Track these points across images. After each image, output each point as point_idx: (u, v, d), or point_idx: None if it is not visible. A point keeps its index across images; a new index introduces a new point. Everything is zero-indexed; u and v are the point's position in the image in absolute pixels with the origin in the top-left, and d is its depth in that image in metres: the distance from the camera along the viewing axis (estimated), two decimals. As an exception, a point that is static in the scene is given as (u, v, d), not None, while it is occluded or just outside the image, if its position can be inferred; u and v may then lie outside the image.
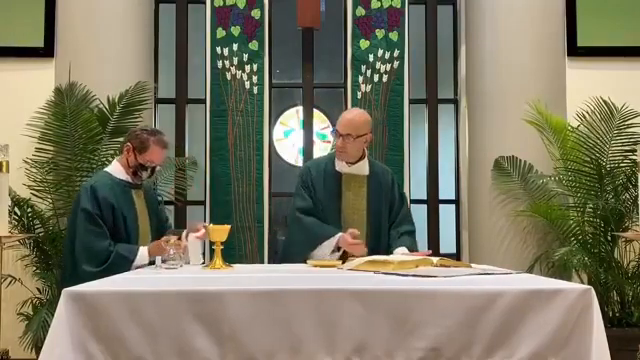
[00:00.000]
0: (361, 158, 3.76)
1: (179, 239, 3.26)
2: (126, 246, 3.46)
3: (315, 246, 3.60)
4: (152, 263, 3.29)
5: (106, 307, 2.11)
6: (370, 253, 3.56)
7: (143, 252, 3.43)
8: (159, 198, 3.97)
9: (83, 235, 3.42)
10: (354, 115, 3.74)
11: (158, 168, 3.74)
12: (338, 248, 3.59)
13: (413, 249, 3.65)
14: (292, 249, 3.77)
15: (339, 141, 3.66)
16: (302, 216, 3.71)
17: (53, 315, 2.16)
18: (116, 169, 3.61)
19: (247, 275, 2.81)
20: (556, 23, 5.34)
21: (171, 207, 5.45)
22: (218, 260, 3.09)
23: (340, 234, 3.59)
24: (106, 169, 3.70)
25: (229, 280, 2.54)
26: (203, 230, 3.41)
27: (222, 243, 3.14)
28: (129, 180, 3.60)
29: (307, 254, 3.54)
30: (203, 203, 5.46)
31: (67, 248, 3.56)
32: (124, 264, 3.36)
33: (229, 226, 3.18)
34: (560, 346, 2.14)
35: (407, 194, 5.42)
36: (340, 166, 3.76)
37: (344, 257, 3.53)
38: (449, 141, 5.89)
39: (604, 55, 5.44)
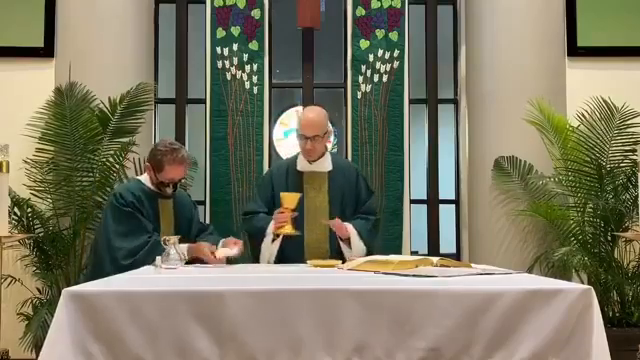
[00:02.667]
0: (322, 155, 3.81)
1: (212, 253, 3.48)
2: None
3: (260, 241, 3.70)
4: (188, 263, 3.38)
5: (106, 307, 2.11)
6: (336, 254, 3.66)
7: (182, 247, 3.47)
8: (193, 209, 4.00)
9: (117, 232, 3.51)
10: (315, 114, 3.77)
11: (183, 180, 3.81)
12: (277, 235, 3.68)
13: (358, 230, 3.69)
14: (250, 250, 3.88)
15: (307, 144, 3.71)
16: (244, 218, 3.86)
17: (53, 315, 2.16)
18: (147, 178, 3.72)
19: (247, 275, 2.81)
20: (556, 23, 5.34)
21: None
22: (288, 226, 3.39)
23: (272, 221, 3.66)
24: (139, 176, 3.85)
25: (229, 280, 2.55)
26: (235, 251, 3.50)
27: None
28: (156, 190, 3.69)
29: (258, 251, 3.70)
30: (203, 203, 5.45)
31: (101, 246, 3.60)
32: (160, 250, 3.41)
33: (299, 194, 3.45)
34: (560, 346, 2.14)
35: (407, 193, 5.44)
36: (302, 165, 3.82)
37: (344, 258, 3.56)
38: (449, 141, 5.89)
39: (604, 55, 5.43)
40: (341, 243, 3.72)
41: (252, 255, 3.91)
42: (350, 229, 3.70)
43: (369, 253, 3.69)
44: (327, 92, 6.07)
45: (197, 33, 5.70)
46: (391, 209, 5.37)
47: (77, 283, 3.54)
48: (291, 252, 3.68)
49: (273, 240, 3.69)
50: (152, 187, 3.69)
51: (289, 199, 3.50)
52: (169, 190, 3.68)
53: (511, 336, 2.14)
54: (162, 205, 3.70)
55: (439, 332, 2.13)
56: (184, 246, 3.49)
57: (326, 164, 3.83)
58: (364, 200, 3.85)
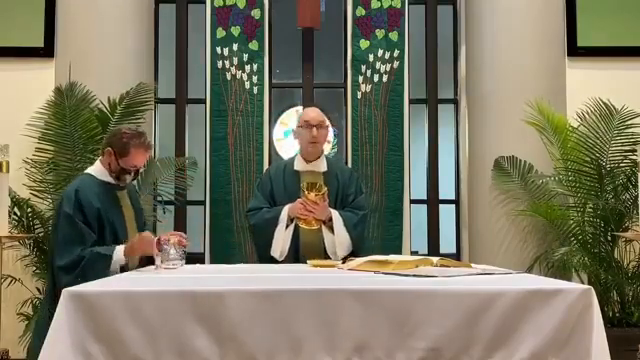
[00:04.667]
0: (319, 156, 3.93)
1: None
2: (104, 247, 3.28)
3: (273, 231, 3.72)
4: (123, 270, 3.20)
5: (106, 307, 2.11)
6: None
7: (119, 250, 3.25)
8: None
9: (62, 242, 3.24)
10: (315, 108, 4.00)
11: (141, 170, 3.66)
12: (292, 220, 3.74)
13: (343, 218, 3.74)
14: (257, 245, 3.92)
15: (313, 131, 3.82)
16: (249, 214, 3.89)
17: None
18: (99, 170, 3.45)
19: (247, 275, 2.81)
20: (556, 23, 5.34)
21: (171, 207, 5.45)
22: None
23: (288, 205, 3.74)
24: (88, 170, 3.53)
25: (229, 280, 2.55)
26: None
27: None
28: (112, 182, 3.45)
29: (270, 242, 3.70)
30: (203, 203, 5.46)
31: (50, 257, 3.36)
32: (101, 262, 3.19)
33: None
34: (560, 346, 2.14)
35: (407, 193, 5.45)
36: (299, 165, 3.92)
37: (344, 258, 3.59)
38: (449, 141, 5.89)
39: (604, 55, 5.44)
40: (323, 227, 3.74)
41: (259, 253, 3.88)
42: (334, 214, 3.74)
43: (355, 249, 3.74)
44: (327, 92, 6.07)
45: (197, 33, 5.70)
46: (391, 209, 5.38)
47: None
48: (290, 249, 3.74)
49: (287, 227, 3.73)
50: (106, 178, 3.43)
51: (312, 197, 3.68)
52: (129, 178, 3.46)
53: (511, 336, 2.14)
54: (121, 197, 3.49)
55: (439, 332, 2.13)
56: (120, 247, 3.25)
57: (322, 165, 3.92)
58: (353, 197, 3.91)
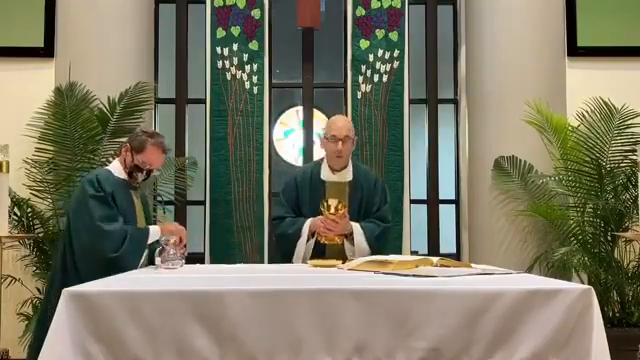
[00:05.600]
0: (346, 165, 3.93)
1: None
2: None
3: (295, 243, 3.78)
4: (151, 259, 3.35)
5: (106, 307, 2.11)
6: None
7: (155, 227, 3.54)
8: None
9: (101, 219, 3.37)
10: (343, 117, 4.03)
11: (156, 172, 3.74)
12: (312, 234, 3.79)
13: (364, 230, 3.78)
14: (280, 252, 3.99)
15: (339, 145, 3.81)
16: (275, 223, 3.97)
17: (53, 315, 2.16)
18: (116, 168, 3.64)
19: (247, 275, 2.81)
20: (556, 23, 5.35)
21: (171, 207, 5.45)
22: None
23: (310, 220, 3.79)
24: (107, 167, 3.74)
25: (229, 280, 2.55)
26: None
27: None
28: (127, 179, 3.62)
29: (292, 252, 3.77)
30: (203, 203, 5.46)
31: (81, 240, 3.41)
32: (141, 237, 3.43)
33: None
34: (560, 346, 2.14)
35: (407, 193, 5.45)
36: (325, 174, 3.92)
37: (344, 258, 3.60)
38: (449, 141, 5.89)
39: (604, 55, 5.43)
40: (345, 240, 3.80)
41: (282, 257, 3.95)
42: (355, 227, 3.78)
43: None
44: (327, 92, 6.07)
45: (197, 33, 5.70)
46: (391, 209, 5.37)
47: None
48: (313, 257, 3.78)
49: (308, 240, 3.79)
50: (122, 175, 3.59)
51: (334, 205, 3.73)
52: (141, 176, 3.60)
53: (511, 336, 2.14)
54: (134, 196, 3.64)
55: (439, 332, 2.13)
56: (154, 226, 3.57)
57: (348, 175, 3.93)
58: (377, 207, 3.93)
